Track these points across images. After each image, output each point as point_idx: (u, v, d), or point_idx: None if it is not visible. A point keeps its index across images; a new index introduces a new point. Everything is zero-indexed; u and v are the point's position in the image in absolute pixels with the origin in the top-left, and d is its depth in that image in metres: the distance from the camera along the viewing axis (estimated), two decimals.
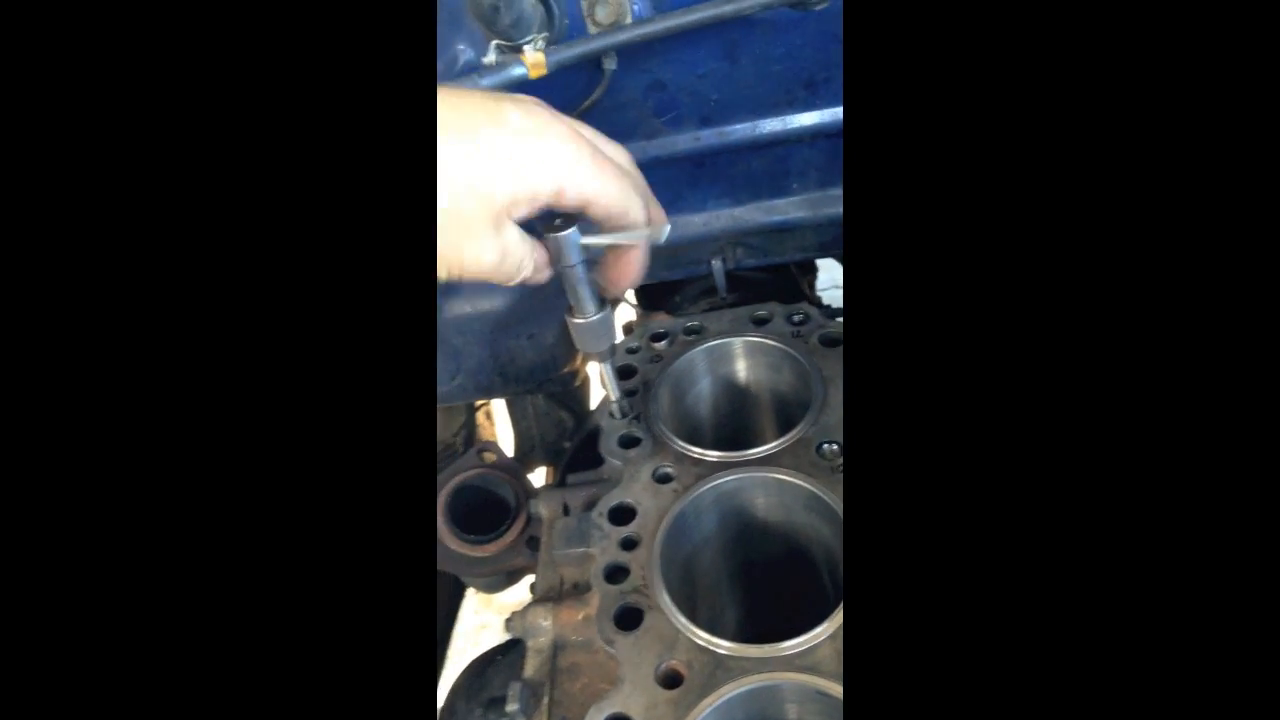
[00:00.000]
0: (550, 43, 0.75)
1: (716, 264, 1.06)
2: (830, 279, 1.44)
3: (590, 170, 0.58)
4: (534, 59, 0.68)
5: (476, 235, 0.56)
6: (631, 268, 0.67)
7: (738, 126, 0.87)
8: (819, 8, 0.72)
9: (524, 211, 0.57)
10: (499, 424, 1.72)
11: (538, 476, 1.55)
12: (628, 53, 0.78)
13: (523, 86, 0.70)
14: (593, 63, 0.78)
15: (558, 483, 1.04)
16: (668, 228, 0.64)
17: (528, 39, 0.74)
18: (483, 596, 2.25)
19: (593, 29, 0.76)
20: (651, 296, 1.36)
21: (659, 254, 1.05)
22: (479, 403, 1.60)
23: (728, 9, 0.68)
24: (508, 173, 0.55)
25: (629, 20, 0.75)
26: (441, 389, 1.12)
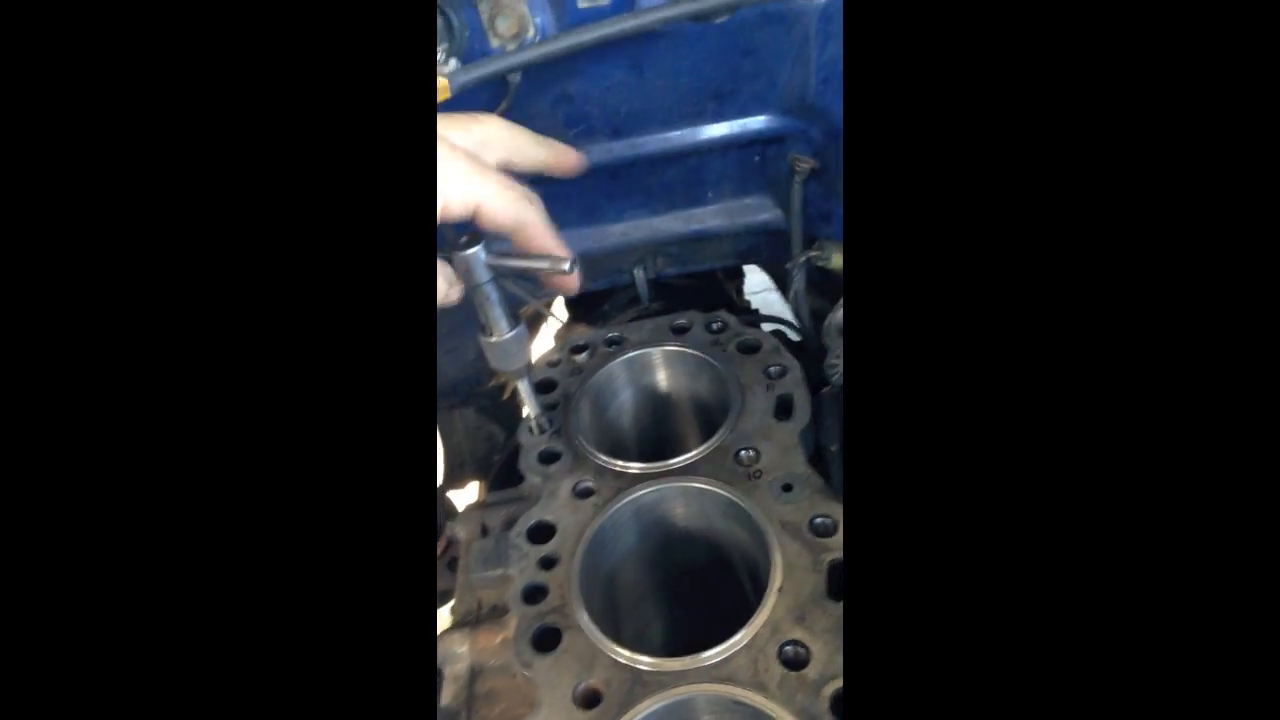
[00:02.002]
0: (451, 54, 0.73)
1: (638, 273, 1.06)
2: (760, 281, 1.47)
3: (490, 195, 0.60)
4: (438, 83, 0.67)
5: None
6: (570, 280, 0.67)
7: (649, 138, 0.88)
8: (720, 20, 0.73)
9: None
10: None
11: (470, 492, 1.52)
12: (533, 66, 0.77)
13: None
14: (498, 75, 0.76)
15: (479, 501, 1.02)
16: (568, 264, 0.64)
17: None
18: None
19: (494, 41, 0.74)
20: (581, 306, 1.36)
21: (582, 266, 1.05)
22: None
23: (629, 25, 0.68)
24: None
25: (531, 32, 0.74)
26: None
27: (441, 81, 0.66)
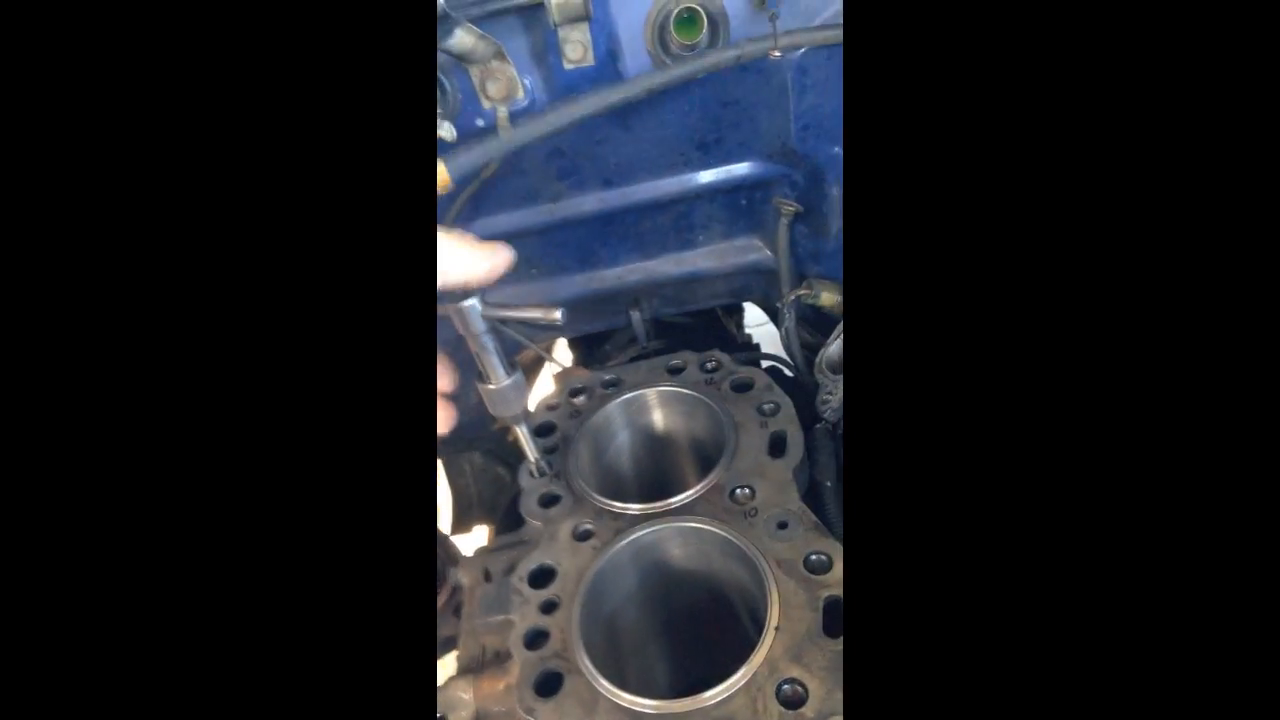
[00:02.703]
0: (445, 118, 0.77)
1: (635, 315, 1.08)
2: (761, 315, 1.49)
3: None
4: (439, 176, 0.69)
5: None
6: None
7: (639, 187, 0.91)
8: (699, 76, 0.76)
9: None
10: (439, 482, 1.69)
11: (478, 535, 1.52)
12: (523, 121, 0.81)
13: None
14: (487, 132, 0.80)
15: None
16: (559, 312, 0.66)
17: None
18: (439, 664, 2.17)
19: (485, 103, 0.78)
20: (583, 348, 1.38)
21: (581, 310, 1.08)
22: None
23: (617, 97, 0.72)
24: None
25: (520, 94, 0.78)
26: None
27: (440, 170, 0.69)
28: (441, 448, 1.16)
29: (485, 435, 1.32)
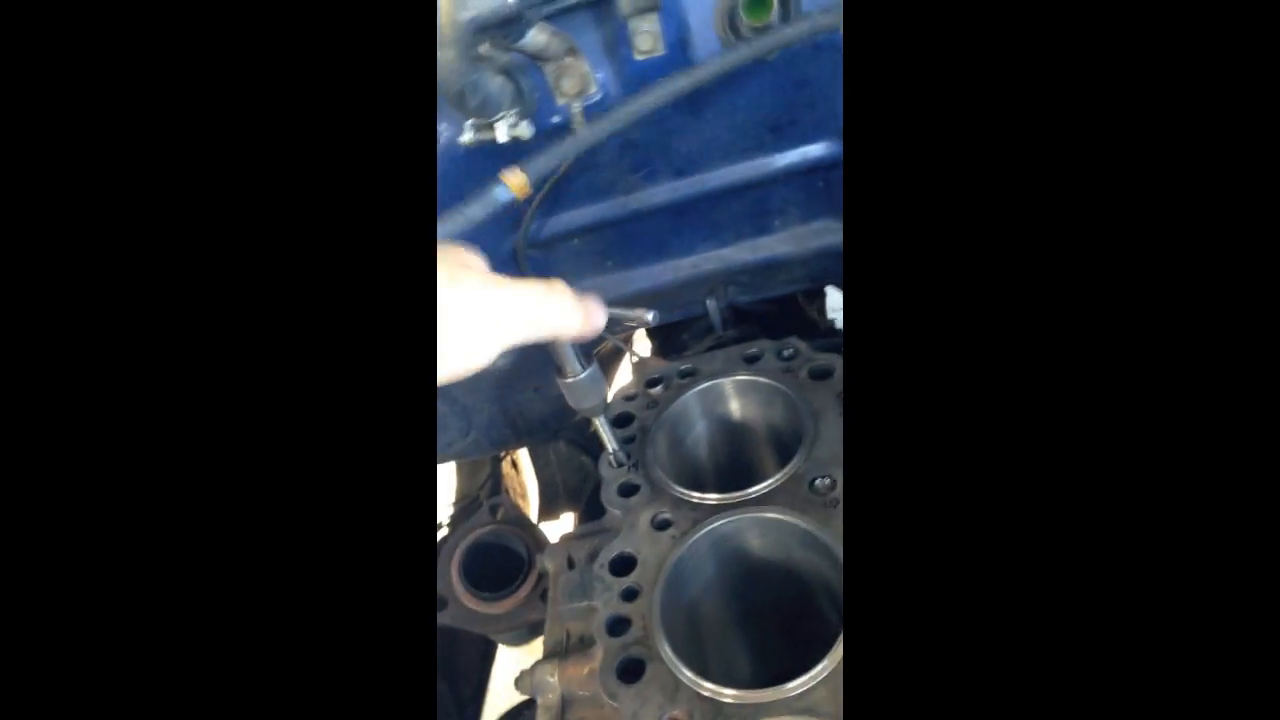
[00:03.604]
0: (522, 116, 0.79)
1: (711, 304, 1.08)
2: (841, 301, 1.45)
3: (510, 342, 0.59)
4: (517, 180, 0.69)
5: (476, 359, 0.57)
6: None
7: (713, 174, 0.90)
8: (770, 59, 0.75)
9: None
10: (527, 471, 1.75)
11: (564, 523, 1.56)
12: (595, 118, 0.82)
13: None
14: (565, 131, 0.81)
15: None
16: (651, 315, 0.66)
17: (499, 115, 0.78)
18: (528, 647, 2.26)
19: (560, 99, 0.79)
20: (661, 338, 1.39)
21: (658, 300, 1.08)
22: (503, 453, 1.63)
23: (685, 83, 0.71)
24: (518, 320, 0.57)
25: (593, 89, 0.79)
26: (457, 446, 1.16)
27: (520, 179, 0.69)
28: (527, 438, 1.19)
29: (567, 426, 1.35)
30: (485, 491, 1.52)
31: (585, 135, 0.72)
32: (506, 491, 1.57)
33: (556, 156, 0.72)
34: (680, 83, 0.71)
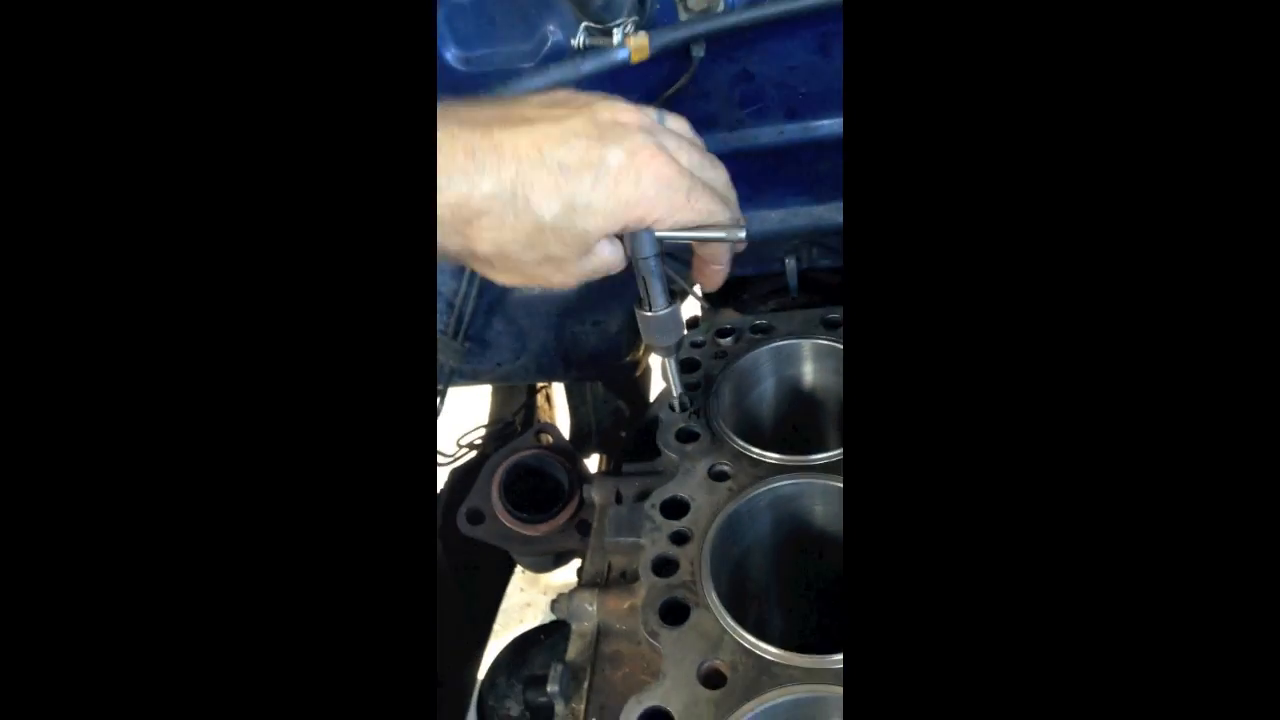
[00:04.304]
0: (640, 27, 0.74)
1: (790, 263, 1.03)
2: None
3: (683, 206, 0.58)
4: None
5: (566, 269, 0.58)
6: (719, 270, 0.67)
7: (824, 122, 0.85)
8: None
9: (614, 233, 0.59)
10: (558, 409, 1.74)
11: (591, 463, 1.56)
12: (717, 41, 0.77)
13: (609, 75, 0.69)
14: (680, 49, 0.76)
15: (612, 470, 1.04)
16: (744, 233, 0.63)
17: (618, 22, 0.73)
18: (529, 575, 2.29)
19: (683, 15, 0.74)
20: (721, 292, 1.35)
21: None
22: (539, 385, 1.62)
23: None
24: (603, 214, 0.56)
25: (721, 7, 0.74)
26: (505, 368, 1.14)
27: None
28: (576, 371, 1.17)
29: (613, 366, 1.33)
30: (519, 419, 1.51)
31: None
32: (536, 421, 1.56)
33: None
34: None
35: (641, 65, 0.74)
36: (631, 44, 0.66)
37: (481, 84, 0.81)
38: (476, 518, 0.94)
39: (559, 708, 0.64)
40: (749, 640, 0.58)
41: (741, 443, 0.74)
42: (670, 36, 0.68)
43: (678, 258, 1.06)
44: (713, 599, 0.62)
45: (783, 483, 0.70)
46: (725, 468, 0.73)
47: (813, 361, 0.85)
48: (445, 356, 0.96)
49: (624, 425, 1.52)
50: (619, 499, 0.79)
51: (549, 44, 0.81)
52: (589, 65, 0.67)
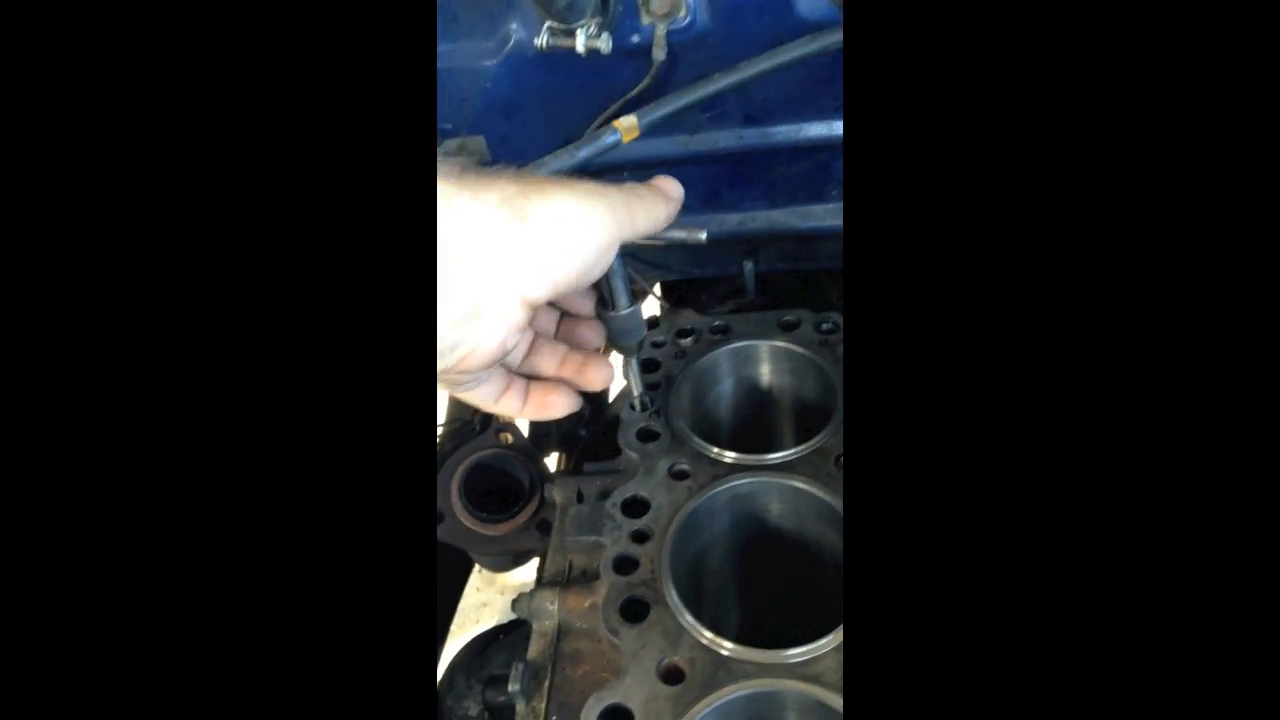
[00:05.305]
0: (603, 28, 0.75)
1: (748, 265, 1.05)
2: None
3: (615, 245, 0.58)
4: (628, 124, 0.70)
5: (494, 333, 0.54)
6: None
7: (782, 128, 0.87)
8: None
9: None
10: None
11: (550, 462, 1.55)
12: (678, 47, 0.78)
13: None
14: (642, 53, 0.77)
15: (572, 470, 1.04)
16: (704, 233, 0.64)
17: (580, 23, 0.74)
18: (485, 575, 2.27)
19: (645, 18, 0.75)
20: (679, 293, 1.36)
21: (690, 251, 1.05)
22: None
23: (792, 55, 0.69)
24: (533, 277, 0.53)
25: (682, 12, 0.75)
26: None
27: (632, 122, 0.68)
28: None
29: None
30: (478, 419, 1.50)
31: (711, 86, 0.71)
32: (495, 421, 1.55)
33: (666, 107, 0.70)
34: (787, 55, 0.70)
35: (605, 69, 0.74)
36: (623, 127, 0.70)
37: (446, 80, 0.81)
38: (436, 518, 0.93)
39: (520, 706, 0.64)
40: (707, 637, 0.60)
41: (701, 442, 0.75)
42: (657, 114, 0.72)
43: (638, 257, 1.07)
44: (672, 597, 0.63)
45: (740, 481, 0.71)
46: (685, 467, 0.74)
47: (770, 363, 0.86)
48: None
49: (583, 424, 1.52)
50: (580, 498, 0.79)
51: (511, 42, 0.80)
52: (585, 153, 0.71)
